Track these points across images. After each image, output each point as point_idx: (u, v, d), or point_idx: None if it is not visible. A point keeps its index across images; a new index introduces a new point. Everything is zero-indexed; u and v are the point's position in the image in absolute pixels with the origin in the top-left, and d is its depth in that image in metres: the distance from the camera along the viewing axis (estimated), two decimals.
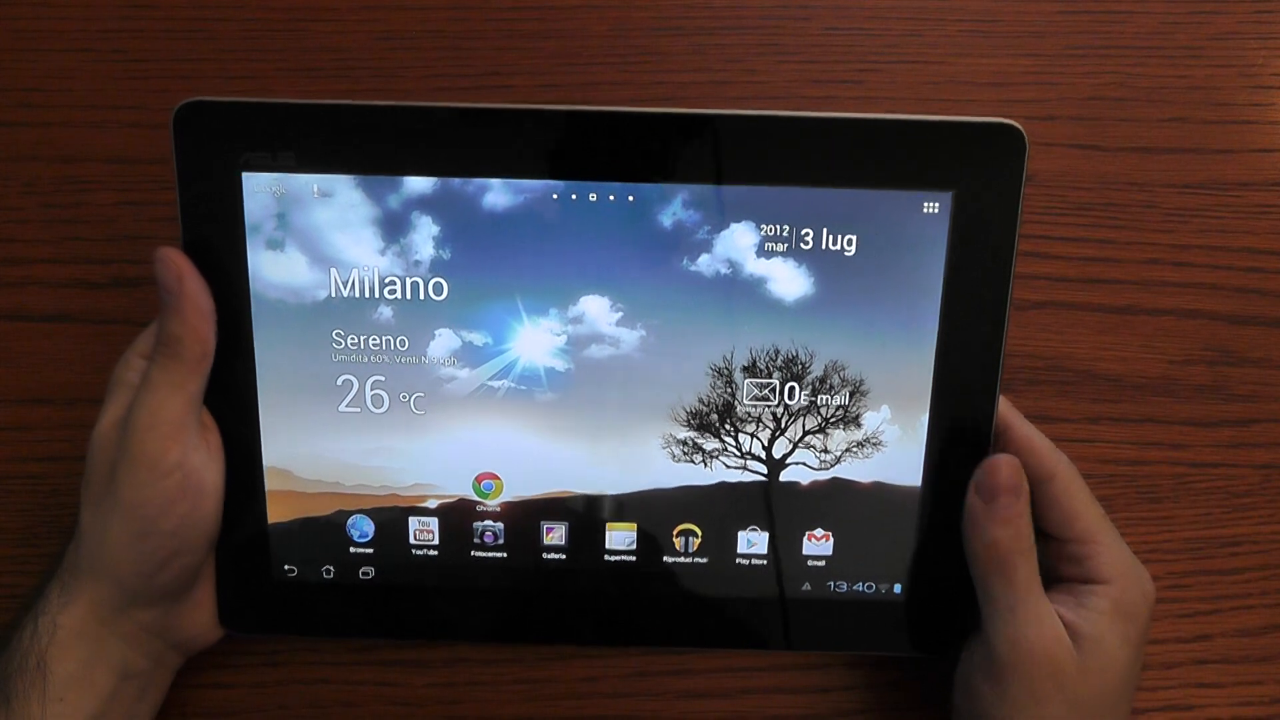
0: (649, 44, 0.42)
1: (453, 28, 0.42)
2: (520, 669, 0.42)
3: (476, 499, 0.38)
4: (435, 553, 0.38)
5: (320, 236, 0.36)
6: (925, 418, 0.37)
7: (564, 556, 0.38)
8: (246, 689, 0.41)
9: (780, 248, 0.35)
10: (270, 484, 0.37)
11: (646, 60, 0.42)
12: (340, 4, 0.42)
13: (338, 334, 0.36)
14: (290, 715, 0.41)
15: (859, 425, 0.37)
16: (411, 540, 0.38)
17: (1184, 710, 0.43)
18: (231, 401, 0.36)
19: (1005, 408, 0.36)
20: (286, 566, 0.38)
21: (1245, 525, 0.44)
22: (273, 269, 0.36)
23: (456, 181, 0.35)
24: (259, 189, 0.35)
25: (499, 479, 0.38)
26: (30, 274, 0.41)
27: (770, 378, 0.37)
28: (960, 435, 0.37)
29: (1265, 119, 0.43)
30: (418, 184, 0.35)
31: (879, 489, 0.38)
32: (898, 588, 0.39)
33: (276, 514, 0.38)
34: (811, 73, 0.42)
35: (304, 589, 0.38)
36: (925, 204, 0.35)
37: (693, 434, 0.37)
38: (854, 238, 0.35)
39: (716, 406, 0.37)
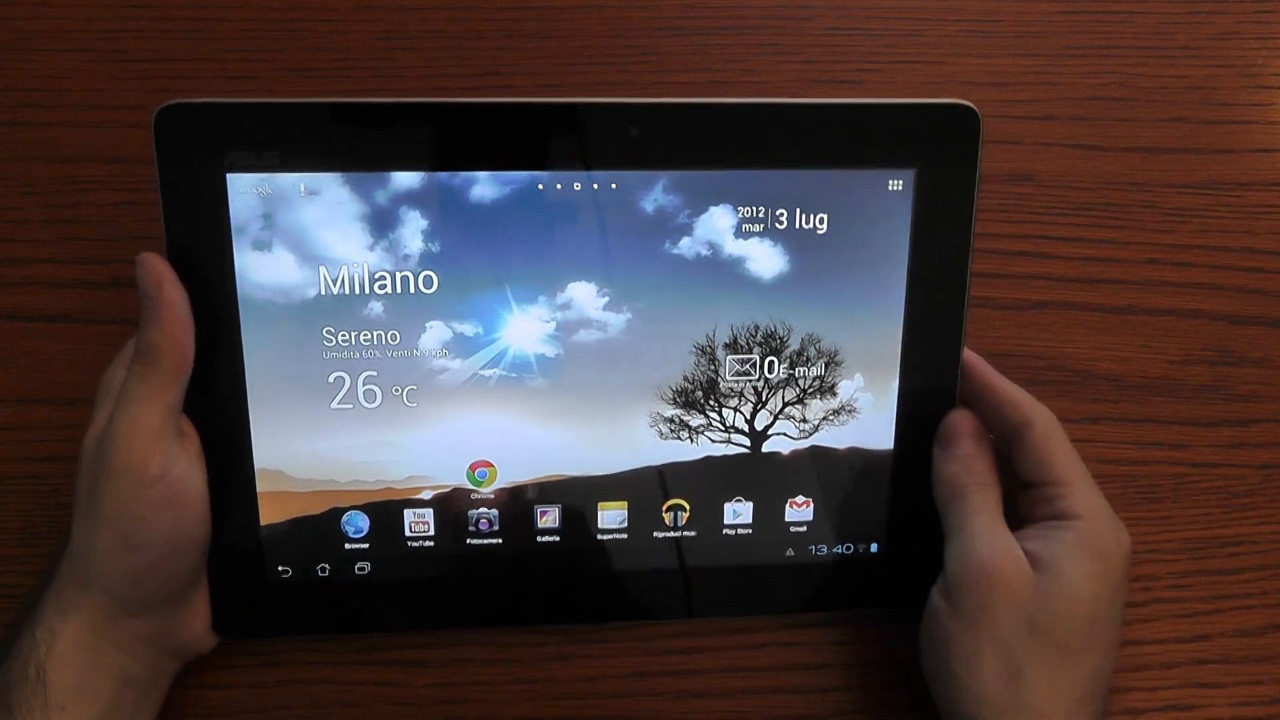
0: (649, 44, 0.42)
1: (453, 28, 0.42)
2: (520, 669, 0.42)
3: (471, 487, 0.38)
4: (431, 544, 0.39)
5: (308, 235, 0.36)
6: (895, 384, 0.39)
7: (558, 539, 0.39)
8: (246, 689, 0.41)
9: (757, 228, 0.37)
10: (262, 485, 0.37)
11: (646, 60, 0.42)
12: (340, 4, 0.42)
13: (328, 331, 0.36)
14: (290, 715, 0.41)
15: (835, 394, 0.39)
16: (407, 533, 0.39)
17: (1184, 710, 0.43)
18: (220, 406, 0.36)
19: (981, 364, 0.38)
20: (281, 568, 0.38)
21: (1245, 525, 0.44)
22: (260, 269, 0.36)
23: (443, 175, 0.35)
24: (244, 189, 0.35)
25: (492, 466, 0.38)
26: (30, 274, 0.41)
27: (751, 353, 0.38)
28: (928, 398, 0.39)
29: (1265, 119, 0.43)
30: (405, 179, 0.35)
31: (855, 454, 0.40)
32: (874, 546, 0.40)
33: (269, 515, 0.38)
34: (811, 73, 0.42)
35: (299, 589, 0.39)
36: (890, 182, 0.37)
37: (679, 411, 0.38)
38: (825, 216, 0.37)
39: (701, 384, 0.38)
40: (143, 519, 0.33)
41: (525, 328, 0.37)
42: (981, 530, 0.36)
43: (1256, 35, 0.43)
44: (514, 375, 0.37)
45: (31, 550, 0.41)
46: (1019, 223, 0.43)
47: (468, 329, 0.37)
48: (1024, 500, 0.38)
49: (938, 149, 0.36)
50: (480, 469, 0.38)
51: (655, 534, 0.40)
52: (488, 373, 0.37)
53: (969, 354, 0.38)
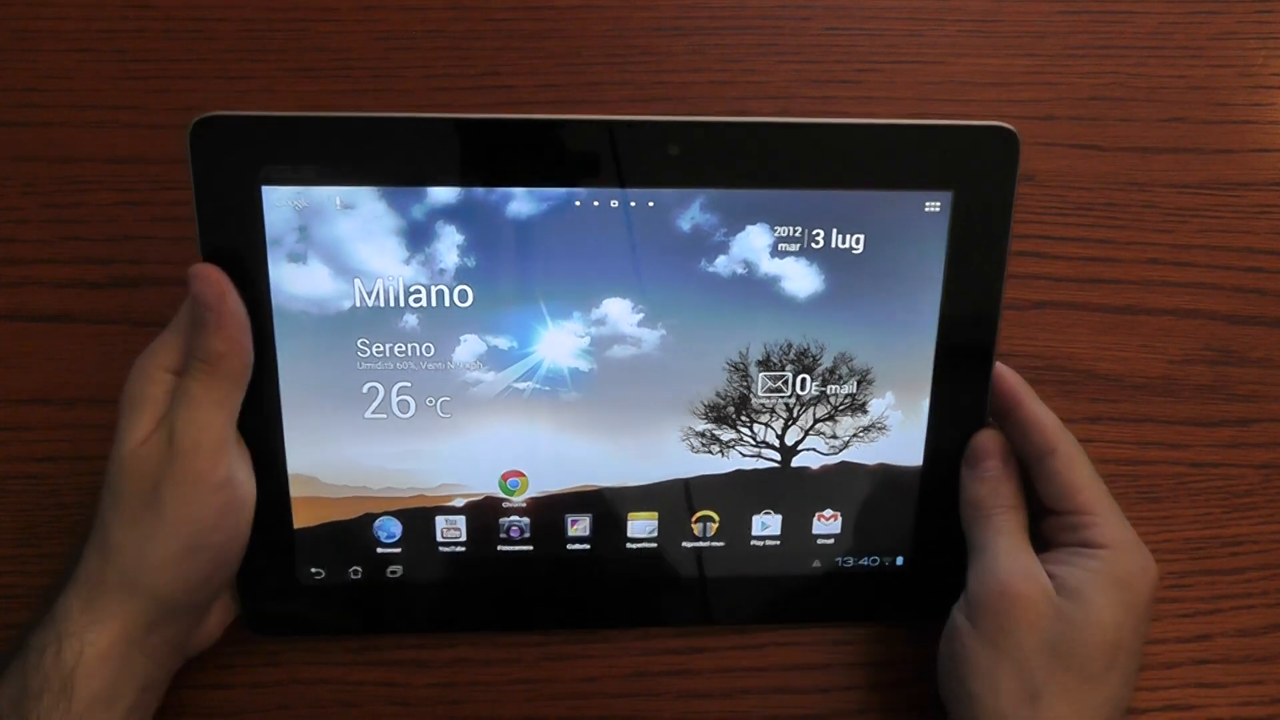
0: (649, 44, 0.42)
1: (453, 28, 0.42)
2: (521, 669, 0.42)
3: (503, 496, 0.39)
4: (462, 549, 0.39)
5: (343, 248, 0.36)
6: (926, 402, 0.39)
7: (588, 547, 0.40)
8: (246, 689, 0.41)
9: (793, 248, 0.37)
10: (295, 491, 0.38)
11: (646, 60, 0.42)
12: (340, 4, 0.42)
13: (363, 343, 0.37)
14: (290, 715, 0.41)
15: (865, 412, 0.39)
16: (439, 538, 0.39)
17: (1184, 710, 0.43)
18: (255, 412, 0.36)
19: (1017, 383, 0.38)
20: (314, 569, 0.39)
21: (1245, 525, 0.44)
22: (295, 281, 0.36)
23: (480, 190, 0.35)
24: (280, 202, 0.35)
25: (524, 476, 0.39)
26: (30, 274, 0.41)
27: (783, 370, 0.38)
28: (958, 417, 0.39)
29: (1265, 119, 0.43)
30: (441, 194, 0.36)
31: (884, 470, 0.40)
32: (900, 560, 0.41)
33: (302, 519, 0.38)
34: (811, 73, 0.42)
35: (332, 590, 0.39)
36: (927, 203, 0.37)
37: (710, 426, 0.39)
38: (861, 237, 0.37)
39: (733, 399, 0.38)
40: (209, 525, 0.34)
41: (559, 342, 0.37)
42: (1005, 552, 0.36)
43: (1256, 35, 0.43)
44: (547, 388, 0.38)
45: (31, 550, 0.41)
46: (1019, 223, 0.43)
47: (502, 343, 0.37)
48: (1049, 526, 0.37)
49: (976, 171, 0.36)
50: (512, 479, 0.39)
51: (684, 544, 0.40)
52: (521, 385, 0.38)
53: (1003, 369, 0.38)
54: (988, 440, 0.38)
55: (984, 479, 0.37)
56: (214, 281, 0.34)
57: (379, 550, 0.39)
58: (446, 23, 0.42)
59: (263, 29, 0.41)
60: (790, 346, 0.38)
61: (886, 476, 0.40)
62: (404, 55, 0.42)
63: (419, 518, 0.39)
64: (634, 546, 0.40)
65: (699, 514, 0.40)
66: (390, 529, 0.39)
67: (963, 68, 0.43)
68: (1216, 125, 0.43)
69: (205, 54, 0.41)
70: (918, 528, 0.40)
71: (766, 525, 0.40)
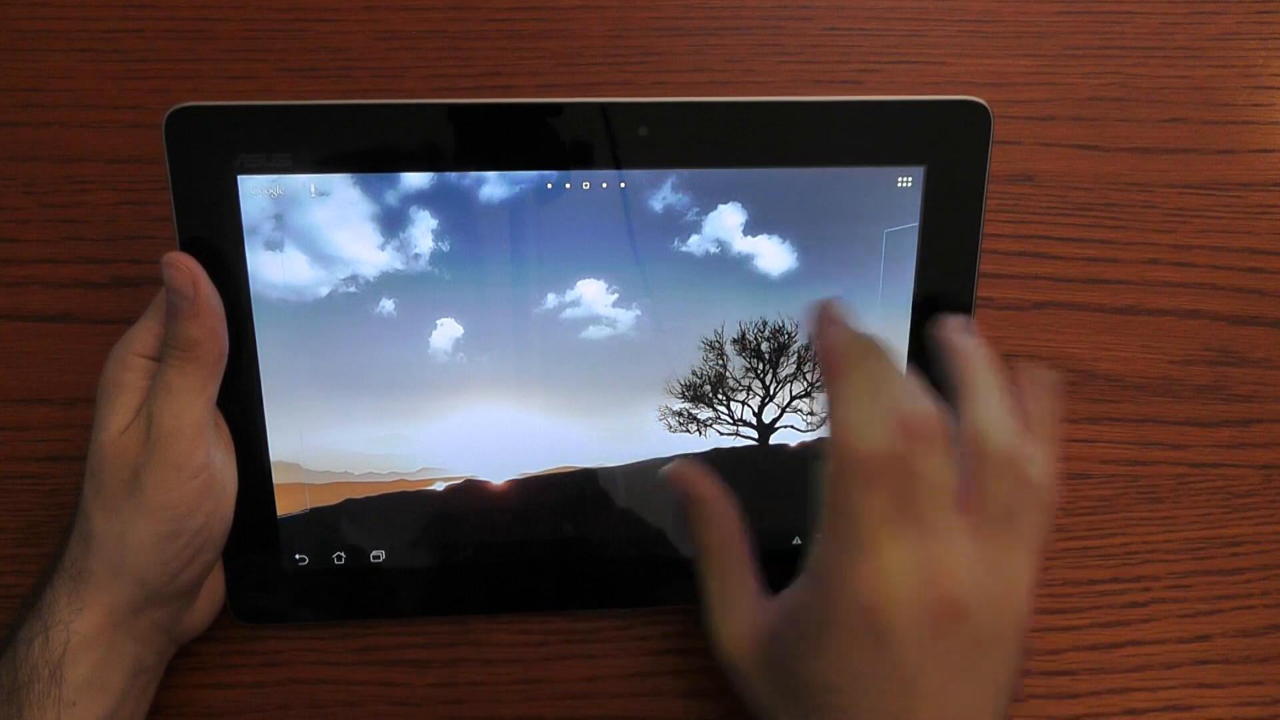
0: (649, 44, 0.42)
1: (453, 28, 0.42)
2: (521, 669, 0.42)
3: (482, 479, 0.39)
4: (444, 533, 0.39)
5: (319, 235, 0.36)
6: None
7: (568, 528, 0.40)
8: (246, 689, 0.41)
9: (765, 226, 0.37)
10: (278, 477, 0.38)
11: (646, 60, 0.42)
12: (340, 4, 0.42)
13: (341, 329, 0.37)
14: (290, 715, 0.41)
15: None
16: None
17: (1184, 710, 0.43)
18: (237, 400, 0.37)
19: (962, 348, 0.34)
20: (298, 556, 0.39)
21: (1245, 525, 0.44)
22: (273, 269, 0.36)
23: (453, 175, 0.36)
24: (255, 191, 0.35)
25: (503, 459, 0.39)
26: (30, 274, 0.41)
27: (759, 348, 0.38)
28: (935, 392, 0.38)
29: (1265, 119, 0.43)
30: (415, 179, 0.36)
31: None
32: None
33: (285, 506, 0.38)
34: (812, 73, 0.42)
35: (316, 577, 0.39)
36: (900, 179, 0.37)
37: (687, 405, 0.39)
38: (834, 213, 0.37)
39: (709, 378, 0.39)
40: (188, 509, 0.34)
41: (535, 324, 0.37)
42: (718, 605, 0.35)
43: (1256, 36, 0.43)
44: (524, 370, 0.38)
45: (31, 550, 0.41)
46: (1019, 223, 0.43)
47: (478, 325, 0.37)
48: None
49: (948, 146, 0.37)
50: (491, 461, 0.39)
51: (664, 524, 0.40)
52: (498, 368, 0.38)
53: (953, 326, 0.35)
54: (672, 478, 0.35)
55: (691, 522, 0.35)
56: (187, 269, 0.34)
57: (362, 535, 0.39)
58: (446, 23, 0.42)
59: (263, 29, 0.41)
60: (765, 324, 0.38)
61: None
62: (404, 55, 0.42)
63: (400, 502, 0.39)
64: (614, 527, 0.40)
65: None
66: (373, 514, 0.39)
67: (963, 68, 0.43)
68: (1217, 125, 0.43)
69: (205, 54, 0.41)
70: None
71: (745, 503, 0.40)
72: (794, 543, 0.41)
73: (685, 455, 0.39)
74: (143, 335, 0.35)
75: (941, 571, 0.29)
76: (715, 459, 0.39)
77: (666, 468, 0.36)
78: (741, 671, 0.34)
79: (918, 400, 0.30)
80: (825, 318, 0.32)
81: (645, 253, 0.37)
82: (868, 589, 0.29)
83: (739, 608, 0.35)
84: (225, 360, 0.35)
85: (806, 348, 0.39)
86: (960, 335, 0.34)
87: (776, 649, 0.32)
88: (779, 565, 0.41)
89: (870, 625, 0.29)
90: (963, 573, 0.29)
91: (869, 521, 0.29)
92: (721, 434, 0.39)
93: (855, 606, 0.29)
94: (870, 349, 0.31)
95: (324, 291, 0.37)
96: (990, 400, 0.32)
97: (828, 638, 0.29)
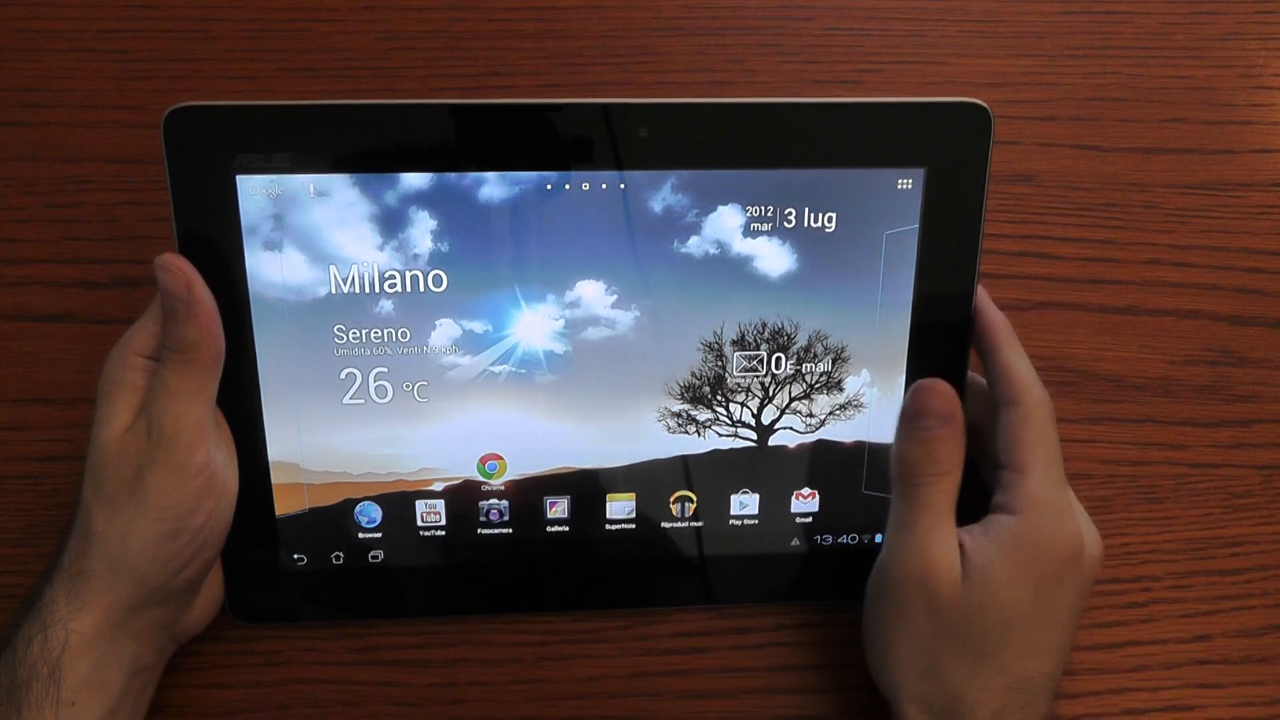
0: (649, 44, 0.42)
1: (453, 28, 0.42)
2: (521, 669, 0.42)
3: (481, 479, 0.39)
4: (442, 533, 0.40)
5: (318, 235, 0.36)
6: (903, 379, 0.39)
7: (567, 529, 0.40)
8: (246, 689, 0.41)
9: (765, 227, 0.37)
10: (276, 477, 0.38)
11: (646, 60, 0.42)
12: (340, 4, 0.42)
13: (339, 329, 0.37)
14: (290, 715, 0.41)
15: (841, 389, 0.39)
16: (419, 522, 0.39)
17: (1184, 710, 0.43)
18: (235, 400, 0.37)
19: (1001, 326, 0.37)
20: (296, 555, 0.39)
21: (1245, 525, 0.44)
22: (271, 269, 0.36)
23: (452, 176, 0.36)
24: (254, 191, 0.35)
25: (502, 459, 0.39)
26: (30, 274, 0.41)
27: (758, 350, 0.38)
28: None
29: (1265, 119, 0.43)
30: (414, 180, 0.36)
31: (861, 447, 0.40)
32: (879, 538, 0.41)
33: (284, 506, 0.38)
34: (812, 73, 0.42)
35: (315, 576, 0.40)
36: (899, 181, 0.37)
37: (686, 406, 0.39)
38: (834, 215, 0.37)
39: (708, 379, 0.39)
40: (190, 508, 0.34)
41: (534, 325, 0.37)
42: (923, 532, 0.35)
43: (1257, 36, 0.43)
44: (523, 371, 0.38)
45: (31, 550, 0.41)
46: (1020, 223, 0.43)
47: (477, 326, 0.37)
48: (994, 479, 0.37)
49: (948, 148, 0.37)
50: (490, 461, 0.39)
51: (663, 525, 0.40)
52: (497, 369, 0.38)
53: (990, 308, 0.37)
54: (929, 394, 0.35)
55: (918, 440, 0.35)
56: (181, 271, 0.34)
57: (360, 536, 0.39)
58: (446, 23, 0.42)
59: (263, 29, 0.41)
60: (765, 326, 0.38)
61: (864, 454, 0.40)
62: (404, 55, 0.42)
63: (399, 503, 0.39)
64: (613, 528, 0.40)
65: (677, 494, 0.40)
66: (371, 514, 0.39)
67: (963, 68, 0.43)
68: (1217, 126, 0.43)
69: (205, 54, 0.41)
70: None
71: (744, 505, 0.40)
72: (793, 544, 0.41)
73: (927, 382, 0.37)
74: (142, 335, 0.35)
75: (1089, 529, 0.36)
76: (714, 460, 0.40)
77: (922, 382, 0.36)
78: (940, 594, 0.35)
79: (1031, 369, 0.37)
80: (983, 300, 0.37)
81: (645, 254, 0.37)
82: (1071, 518, 0.35)
83: (950, 531, 0.35)
84: (222, 360, 0.35)
85: (806, 349, 0.39)
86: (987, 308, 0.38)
87: (976, 575, 0.35)
88: (780, 565, 0.41)
89: (1071, 553, 0.35)
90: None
91: (1058, 459, 0.36)
92: (720, 435, 0.39)
93: (1067, 533, 0.35)
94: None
95: (322, 292, 0.36)
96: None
97: (1037, 563, 0.34)
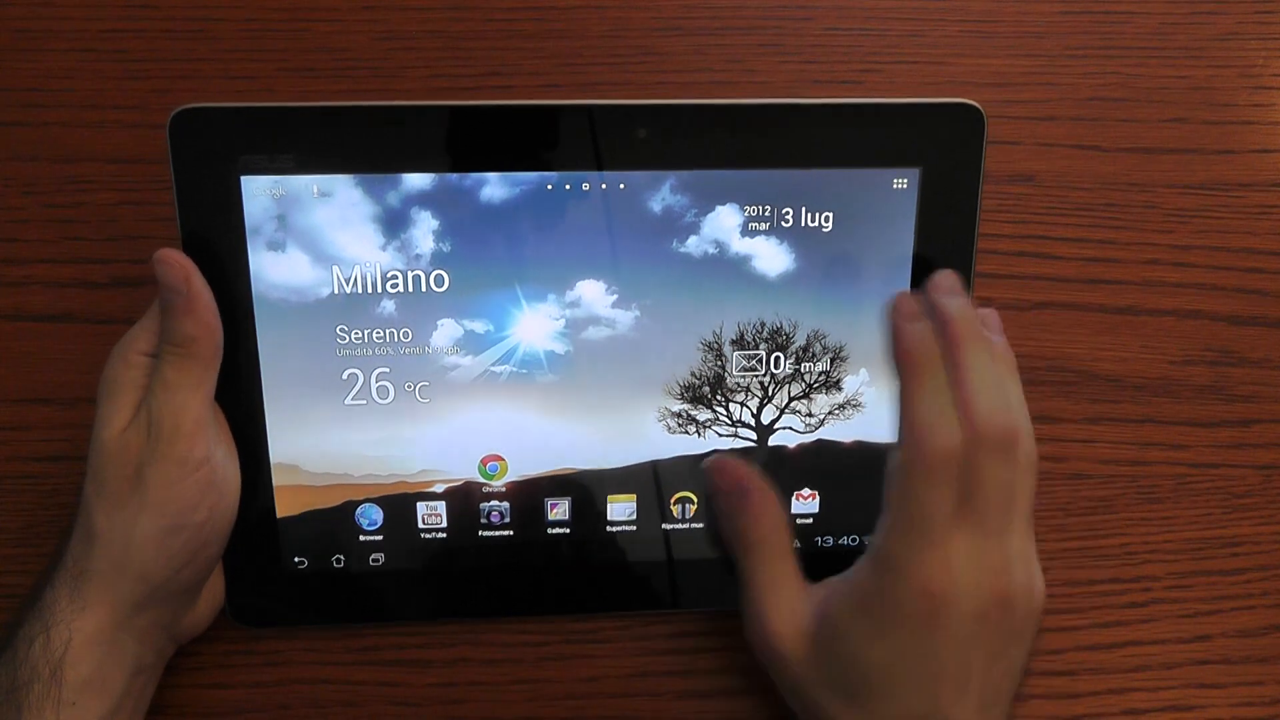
0: (649, 44, 0.42)
1: (453, 28, 0.42)
2: (521, 669, 0.42)
3: (482, 481, 0.39)
4: (443, 535, 0.39)
5: (321, 235, 0.36)
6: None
7: (568, 530, 0.40)
8: (246, 689, 0.41)
9: (763, 227, 0.37)
10: (277, 479, 0.38)
11: (646, 60, 0.42)
12: (340, 4, 0.42)
13: (341, 329, 0.37)
14: (290, 715, 0.41)
15: (840, 389, 0.39)
16: (420, 525, 0.39)
17: (1184, 711, 0.43)
18: (237, 401, 0.37)
19: (918, 357, 0.32)
20: (297, 559, 0.39)
21: (1245, 526, 0.44)
22: (274, 269, 0.36)
23: (454, 176, 0.36)
24: (258, 192, 0.36)
25: (504, 460, 0.39)
26: (30, 274, 0.41)
27: (757, 349, 0.39)
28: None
29: (1265, 119, 0.43)
30: (416, 180, 0.36)
31: (860, 447, 0.40)
32: (857, 539, 0.41)
33: (285, 508, 0.38)
34: (812, 73, 0.42)
35: (315, 579, 0.39)
36: (895, 180, 0.37)
37: (686, 406, 0.39)
38: (830, 215, 0.38)
39: (708, 379, 0.39)
40: (191, 503, 0.34)
41: (535, 325, 0.38)
42: (756, 600, 0.35)
43: (1257, 36, 0.43)
44: (524, 371, 0.38)
45: (31, 550, 0.41)
46: (1019, 223, 0.43)
47: (479, 326, 0.37)
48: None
49: (942, 147, 0.37)
50: (491, 463, 0.39)
51: (664, 526, 0.40)
52: (498, 369, 0.38)
53: (912, 337, 0.33)
54: (714, 473, 0.36)
55: (725, 514, 0.36)
56: (178, 265, 0.34)
57: (361, 538, 0.39)
58: (446, 23, 0.42)
59: (263, 29, 0.41)
60: (763, 325, 0.38)
61: (863, 454, 0.40)
62: (404, 55, 0.42)
63: (400, 505, 0.39)
64: (614, 529, 0.40)
65: (677, 495, 0.40)
66: (372, 516, 0.39)
67: (963, 68, 0.43)
68: (1217, 126, 0.43)
69: (205, 54, 0.41)
70: None
71: None
72: (794, 546, 0.41)
73: (720, 451, 0.39)
74: (144, 334, 0.35)
75: (997, 565, 0.32)
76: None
77: (708, 460, 0.37)
78: (787, 657, 0.34)
79: (990, 400, 0.32)
80: (903, 312, 0.33)
81: (644, 254, 0.37)
82: (935, 577, 0.31)
83: (787, 595, 0.35)
84: (221, 355, 0.35)
85: (804, 349, 0.39)
86: (947, 297, 0.34)
87: (828, 632, 0.33)
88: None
89: (932, 611, 0.31)
90: (1013, 567, 0.32)
91: (938, 515, 0.31)
92: (720, 435, 0.39)
93: (921, 592, 0.31)
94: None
95: (325, 292, 0.37)
96: (981, 375, 0.32)
97: (888, 621, 0.32)
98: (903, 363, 0.33)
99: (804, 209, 0.37)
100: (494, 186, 0.36)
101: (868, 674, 0.32)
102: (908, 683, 0.32)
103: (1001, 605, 0.32)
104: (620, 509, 0.40)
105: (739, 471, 0.36)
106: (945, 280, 0.35)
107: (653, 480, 0.40)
